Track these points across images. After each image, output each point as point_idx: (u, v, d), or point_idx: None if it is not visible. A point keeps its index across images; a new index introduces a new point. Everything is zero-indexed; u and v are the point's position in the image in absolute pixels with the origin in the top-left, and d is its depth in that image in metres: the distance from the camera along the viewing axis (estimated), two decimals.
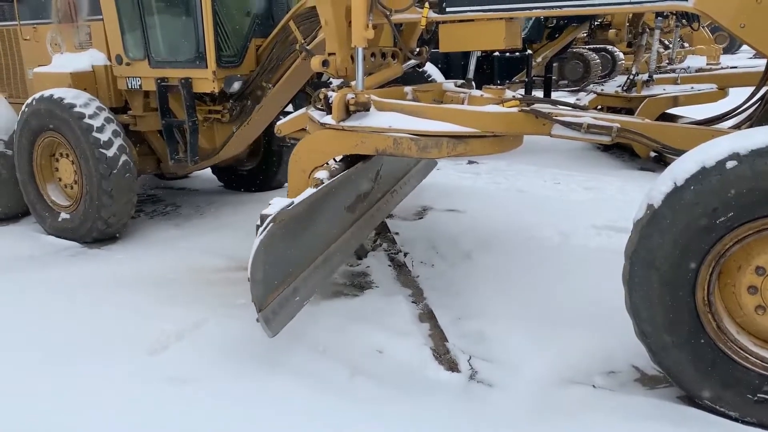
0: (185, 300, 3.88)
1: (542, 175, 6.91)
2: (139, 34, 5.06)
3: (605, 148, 8.07)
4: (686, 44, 13.47)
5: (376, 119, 3.69)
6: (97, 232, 5.07)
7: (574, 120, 3.26)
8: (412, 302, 3.92)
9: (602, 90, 7.88)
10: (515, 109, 3.47)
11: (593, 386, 2.99)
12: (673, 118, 7.38)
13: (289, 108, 5.69)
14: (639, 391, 2.93)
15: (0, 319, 3.76)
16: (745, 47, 21.18)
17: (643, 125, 3.22)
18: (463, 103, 4.08)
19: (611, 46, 11.35)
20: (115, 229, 5.20)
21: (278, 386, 2.99)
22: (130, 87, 5.32)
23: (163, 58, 5.04)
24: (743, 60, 17.47)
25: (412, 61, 4.54)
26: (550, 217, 5.24)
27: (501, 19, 3.52)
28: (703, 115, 3.98)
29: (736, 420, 2.61)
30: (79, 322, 3.67)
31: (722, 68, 8.98)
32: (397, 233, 5.09)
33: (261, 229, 2.90)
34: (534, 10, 3.46)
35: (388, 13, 3.76)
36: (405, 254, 4.69)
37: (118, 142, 4.95)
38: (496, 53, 7.77)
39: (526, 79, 8.20)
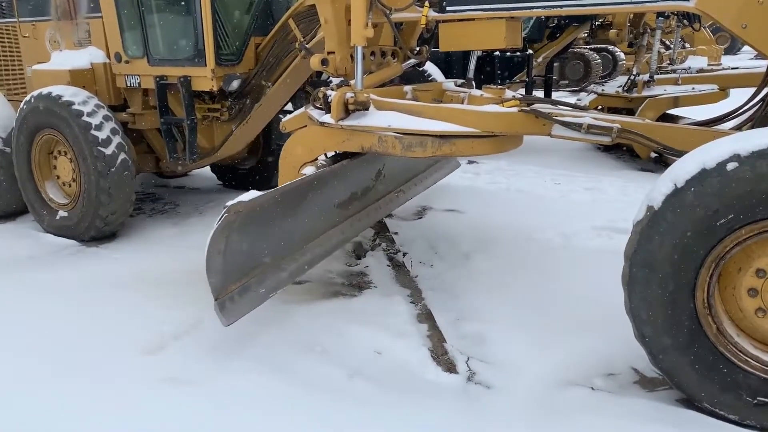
0: (183, 300, 3.86)
1: (542, 175, 6.89)
2: (138, 31, 5.04)
3: (606, 149, 8.05)
4: (687, 45, 13.47)
5: (375, 118, 3.68)
6: (95, 230, 5.06)
7: (574, 120, 3.25)
8: (411, 303, 3.90)
9: (603, 90, 7.87)
10: (515, 109, 3.46)
11: (592, 388, 2.97)
12: (673, 118, 7.36)
13: (289, 107, 5.67)
14: (638, 394, 2.91)
15: None
16: (746, 48, 21.17)
17: (644, 126, 3.20)
18: (463, 103, 4.06)
19: (612, 47, 11.34)
20: (114, 228, 5.18)
21: (276, 387, 2.98)
22: (129, 85, 5.30)
23: (162, 56, 5.02)
24: (744, 61, 17.46)
25: (412, 61, 4.52)
26: (550, 217, 5.23)
27: (501, 18, 3.50)
28: (704, 116, 3.97)
29: (735, 423, 2.59)
30: (76, 321, 3.66)
31: (723, 69, 8.96)
32: (396, 233, 5.08)
33: (218, 219, 2.97)
34: (535, 10, 3.44)
35: (387, 12, 3.74)
36: (404, 254, 4.67)
37: (116, 140, 4.93)
38: (497, 53, 7.75)
39: (527, 79, 8.18)
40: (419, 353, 3.30)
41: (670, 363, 2.65)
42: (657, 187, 2.58)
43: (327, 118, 3.80)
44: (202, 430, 2.71)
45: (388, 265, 4.49)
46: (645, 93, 7.27)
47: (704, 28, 12.01)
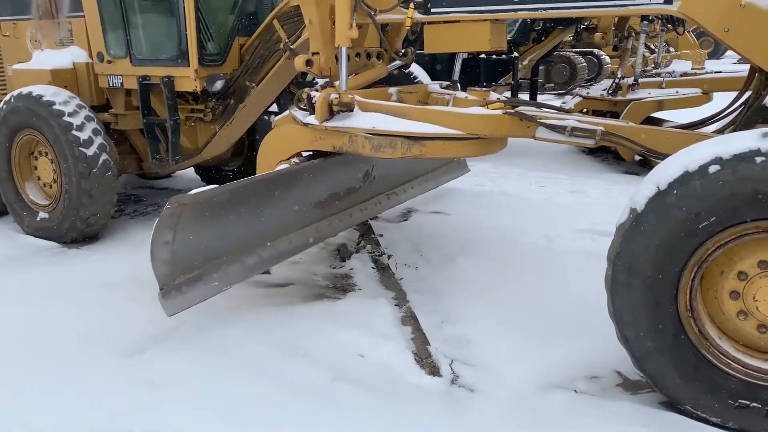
0: None
1: (527, 177, 6.91)
2: (120, 31, 4.99)
3: (590, 152, 8.09)
4: (672, 49, 13.58)
5: (360, 120, 3.67)
6: (76, 232, 4.99)
7: (559, 123, 3.26)
8: (395, 305, 3.88)
9: (588, 93, 7.90)
10: (500, 112, 3.46)
11: (575, 391, 2.96)
12: (657, 122, 7.41)
13: (274, 108, 5.64)
14: (621, 397, 2.91)
15: None
16: (729, 53, 21.39)
17: (627, 129, 3.21)
18: (447, 105, 4.06)
19: (597, 50, 11.40)
20: (95, 229, 5.12)
21: (258, 390, 2.95)
22: (111, 85, 5.24)
23: (145, 56, 4.98)
24: (728, 65, 17.64)
25: (397, 62, 4.51)
26: (534, 220, 5.24)
27: (486, 20, 3.50)
28: (688, 119, 3.99)
29: (717, 426, 2.60)
30: (57, 323, 3.61)
31: (707, 73, 9.04)
32: (381, 235, 5.06)
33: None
34: (519, 12, 3.45)
35: (372, 13, 3.73)
36: (389, 256, 4.65)
37: (98, 140, 4.87)
38: (482, 55, 7.76)
39: (512, 82, 8.20)
40: (403, 356, 3.28)
41: (653, 366, 2.65)
42: (640, 190, 2.58)
43: (311, 119, 3.78)
44: None
45: (373, 268, 4.47)
46: (629, 96, 7.32)
47: (688, 32, 12.11)
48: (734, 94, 3.53)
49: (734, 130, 3.19)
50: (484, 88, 4.03)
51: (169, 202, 3.08)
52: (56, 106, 4.82)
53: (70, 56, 5.34)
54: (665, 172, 2.51)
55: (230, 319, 3.62)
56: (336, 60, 3.90)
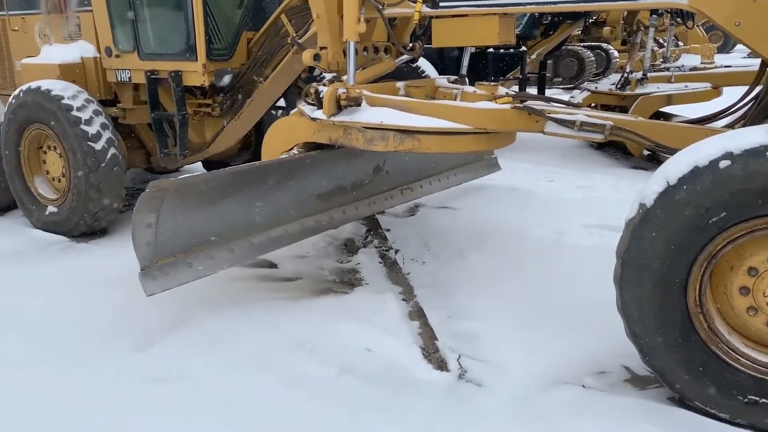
0: (172, 296, 3.80)
1: (535, 172, 6.88)
2: (128, 25, 5.00)
3: (599, 146, 8.06)
4: (680, 43, 13.47)
5: (368, 114, 3.66)
6: (84, 226, 5.01)
7: (567, 117, 3.24)
8: (402, 300, 3.89)
9: (596, 88, 7.86)
10: (508, 106, 3.44)
11: (583, 386, 2.96)
12: (666, 116, 7.37)
13: (281, 102, 5.64)
14: (629, 392, 2.90)
15: None
16: (739, 47, 21.23)
17: (637, 123, 3.19)
18: (455, 100, 4.05)
19: (606, 44, 11.32)
20: (103, 224, 5.14)
21: (264, 385, 2.95)
22: (119, 79, 5.26)
23: (153, 51, 4.99)
24: (737, 59, 17.50)
25: (405, 56, 4.49)
26: (542, 215, 5.22)
27: (495, 14, 3.48)
28: (697, 114, 3.96)
29: (726, 422, 2.58)
30: (64, 318, 3.62)
31: (716, 67, 8.98)
32: (388, 230, 5.06)
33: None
34: (528, 6, 3.43)
35: (380, 7, 3.71)
36: (396, 251, 4.65)
37: (106, 135, 4.89)
38: (490, 49, 7.73)
39: (521, 76, 8.16)
40: (410, 351, 3.29)
41: (662, 361, 2.64)
42: (649, 185, 2.56)
43: (319, 114, 3.77)
44: (191, 427, 2.68)
45: (380, 262, 4.47)
46: (638, 91, 7.28)
47: (697, 26, 12.01)
48: (744, 88, 3.50)
49: (745, 125, 3.16)
50: (492, 83, 4.01)
51: (149, 186, 3.14)
52: (65, 101, 4.83)
53: (79, 51, 5.35)
54: (675, 167, 2.49)
55: (237, 314, 3.63)
56: (344, 54, 3.89)
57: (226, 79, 4.88)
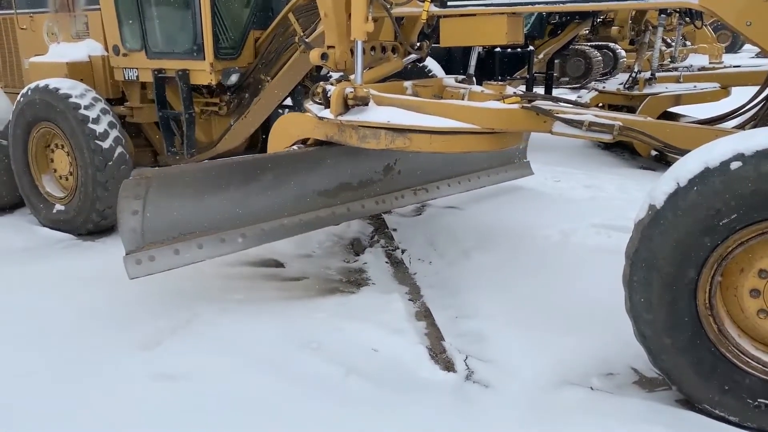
0: (179, 295, 3.83)
1: (542, 172, 6.83)
2: (136, 24, 5.00)
3: (605, 146, 8.02)
4: (688, 42, 13.41)
5: (375, 114, 3.66)
6: (92, 224, 5.02)
7: (576, 117, 3.23)
8: (409, 300, 3.88)
9: (604, 87, 7.83)
10: (516, 106, 3.43)
11: (591, 388, 2.94)
12: (675, 116, 7.33)
13: (288, 101, 5.64)
14: (637, 394, 2.88)
15: None
16: (747, 46, 21.14)
17: (646, 124, 3.17)
18: (463, 99, 4.04)
19: (613, 44, 11.29)
20: (111, 222, 5.12)
21: (271, 384, 2.95)
22: (127, 78, 5.26)
23: (161, 50, 4.99)
24: (745, 59, 17.42)
25: (413, 56, 4.48)
26: (549, 215, 5.20)
27: (503, 14, 3.47)
28: (705, 114, 3.94)
29: (735, 425, 2.57)
30: (71, 315, 3.63)
31: (725, 67, 8.93)
32: (395, 229, 5.05)
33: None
34: (537, 6, 3.41)
35: (388, 6, 3.71)
36: (402, 251, 4.64)
37: (114, 133, 4.89)
38: (498, 49, 7.71)
39: (528, 76, 8.14)
40: (417, 351, 3.28)
41: (671, 363, 2.63)
42: (659, 186, 2.55)
43: (326, 113, 3.77)
44: (197, 426, 2.68)
45: (387, 262, 4.47)
46: (646, 91, 7.24)
47: (705, 26, 11.96)
48: (753, 88, 3.47)
49: (755, 126, 3.14)
50: (500, 82, 4.00)
51: (132, 174, 3.34)
52: (72, 99, 4.84)
53: (86, 49, 5.36)
54: (685, 168, 2.48)
55: (244, 313, 3.63)
56: (351, 53, 3.88)
57: (234, 78, 4.88)
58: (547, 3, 3.37)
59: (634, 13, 9.43)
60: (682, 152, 2.72)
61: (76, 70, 5.25)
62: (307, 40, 4.35)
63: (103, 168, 4.80)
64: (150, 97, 5.26)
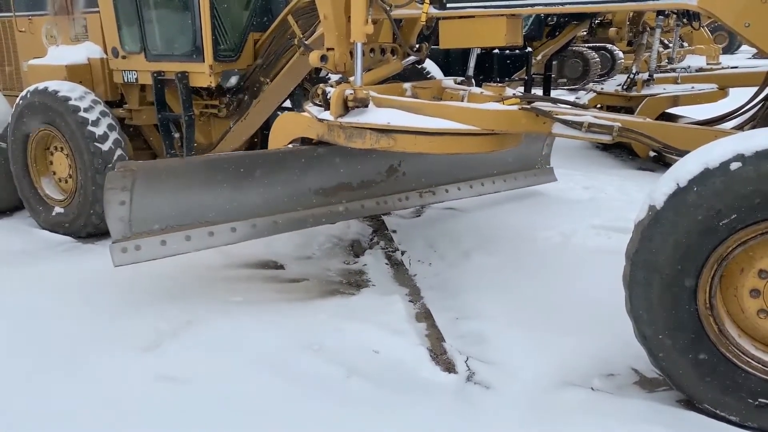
0: (179, 297, 3.83)
1: None
2: (135, 27, 5.01)
3: (604, 148, 8.03)
4: (685, 44, 13.44)
5: (375, 115, 3.66)
6: (91, 227, 5.01)
7: (575, 119, 3.23)
8: (409, 301, 3.88)
9: (602, 89, 7.84)
10: (516, 107, 3.43)
11: (591, 389, 2.95)
12: (673, 117, 7.34)
13: (287, 103, 5.64)
14: (638, 395, 2.89)
15: None
16: (744, 47, 21.19)
17: (645, 125, 3.18)
18: (462, 101, 4.04)
19: (611, 45, 11.31)
20: None
21: (272, 385, 2.95)
22: (126, 80, 5.27)
23: (160, 52, 4.99)
24: (742, 60, 17.46)
25: (412, 58, 4.49)
26: (549, 216, 5.20)
27: (502, 15, 3.48)
28: (703, 115, 3.95)
29: (736, 425, 2.57)
30: (71, 318, 3.62)
31: (723, 68, 8.94)
32: (394, 231, 5.05)
33: None
34: (536, 7, 3.42)
35: (387, 9, 3.71)
36: (402, 252, 4.64)
37: (113, 136, 4.89)
38: (496, 50, 7.72)
39: (526, 77, 8.15)
40: (417, 352, 3.28)
41: (671, 364, 2.63)
42: (659, 187, 2.55)
43: (326, 115, 3.77)
44: (197, 427, 2.69)
45: (387, 264, 4.47)
46: (644, 92, 7.25)
47: (703, 27, 11.98)
48: (751, 89, 3.48)
49: (754, 127, 3.15)
50: (499, 84, 4.01)
51: (117, 166, 3.43)
52: (72, 102, 4.84)
53: (85, 52, 5.37)
54: (685, 169, 2.49)
55: (244, 314, 3.63)
56: (351, 55, 3.89)
57: (233, 80, 4.89)
58: (545, 4, 3.38)
59: (631, 14, 9.45)
60: (682, 153, 2.73)
61: (75, 73, 5.25)
62: (306, 42, 4.36)
63: (103, 170, 4.79)
64: (149, 99, 5.27)
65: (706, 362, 2.57)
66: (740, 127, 3.31)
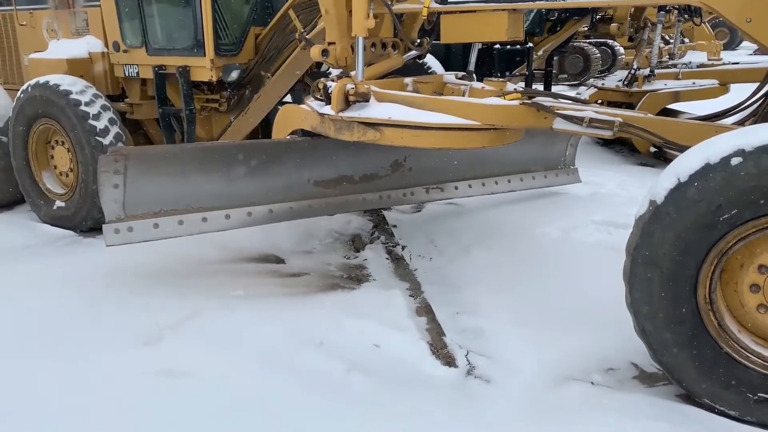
0: (180, 291, 3.84)
1: None
2: (136, 21, 5.00)
3: (605, 143, 8.03)
4: (686, 39, 13.43)
5: (376, 110, 3.66)
6: (92, 221, 5.01)
7: (576, 114, 3.24)
8: (410, 296, 3.89)
9: (603, 84, 7.83)
10: (516, 102, 3.44)
11: (591, 383, 2.96)
12: (674, 113, 7.34)
13: (288, 98, 5.64)
14: (637, 389, 2.90)
15: None
16: (745, 43, 21.14)
17: (646, 120, 3.19)
18: (463, 95, 4.04)
19: (611, 41, 11.30)
20: None
21: (272, 379, 2.96)
22: (127, 74, 5.26)
23: (161, 46, 4.98)
24: (743, 56, 17.43)
25: (413, 52, 4.48)
26: (549, 211, 5.21)
27: (504, 10, 3.48)
28: (704, 110, 3.95)
29: (735, 419, 2.58)
30: (71, 312, 3.63)
31: (723, 64, 8.93)
32: (395, 226, 5.06)
33: None
34: (537, 2, 3.42)
35: (389, 3, 3.71)
36: (403, 247, 4.65)
37: (114, 130, 4.89)
38: (497, 45, 7.70)
39: (527, 72, 8.13)
40: (418, 347, 3.29)
41: (671, 358, 2.64)
42: (660, 182, 2.56)
43: (327, 109, 3.77)
44: (198, 421, 2.69)
45: (387, 258, 4.48)
46: (645, 87, 7.24)
47: (704, 23, 11.97)
48: (752, 85, 3.48)
49: (755, 122, 3.16)
50: (500, 79, 4.01)
51: (109, 150, 3.58)
52: (73, 95, 4.84)
53: (86, 46, 5.36)
54: (686, 164, 2.49)
55: (245, 309, 3.64)
56: (352, 50, 3.89)
57: (234, 75, 4.88)
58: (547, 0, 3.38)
59: (632, 10, 9.45)
60: (683, 148, 2.73)
61: (76, 67, 5.24)
62: (307, 36, 4.35)
63: None
64: (150, 93, 5.26)
65: (705, 357, 2.58)
66: (741, 123, 3.31)
